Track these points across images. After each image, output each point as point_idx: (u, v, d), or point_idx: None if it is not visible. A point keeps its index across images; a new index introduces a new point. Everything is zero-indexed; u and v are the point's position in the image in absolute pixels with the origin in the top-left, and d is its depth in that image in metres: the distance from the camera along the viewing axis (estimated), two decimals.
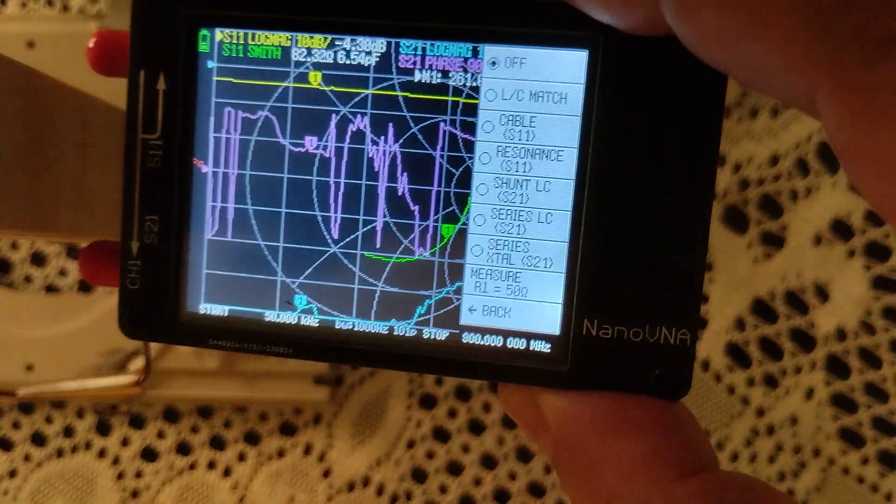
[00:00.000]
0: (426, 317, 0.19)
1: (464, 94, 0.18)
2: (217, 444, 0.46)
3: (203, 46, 0.18)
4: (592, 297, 0.17)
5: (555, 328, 0.18)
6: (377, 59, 0.18)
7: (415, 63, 0.18)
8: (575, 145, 0.17)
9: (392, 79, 0.18)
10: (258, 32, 0.18)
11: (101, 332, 0.44)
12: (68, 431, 0.46)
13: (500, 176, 0.18)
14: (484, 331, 0.19)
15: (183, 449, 0.46)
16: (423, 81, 0.18)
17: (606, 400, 0.16)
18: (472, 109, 0.18)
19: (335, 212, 0.19)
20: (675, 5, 0.13)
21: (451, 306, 0.19)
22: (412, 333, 0.19)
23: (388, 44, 0.18)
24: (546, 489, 0.44)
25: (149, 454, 0.46)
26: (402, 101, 0.18)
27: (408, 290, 0.19)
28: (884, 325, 0.42)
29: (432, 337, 0.19)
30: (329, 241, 0.19)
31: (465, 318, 0.19)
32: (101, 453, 0.46)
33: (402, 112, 0.18)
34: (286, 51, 0.18)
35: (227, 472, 0.45)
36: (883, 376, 0.42)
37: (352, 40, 0.18)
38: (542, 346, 0.18)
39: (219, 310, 0.19)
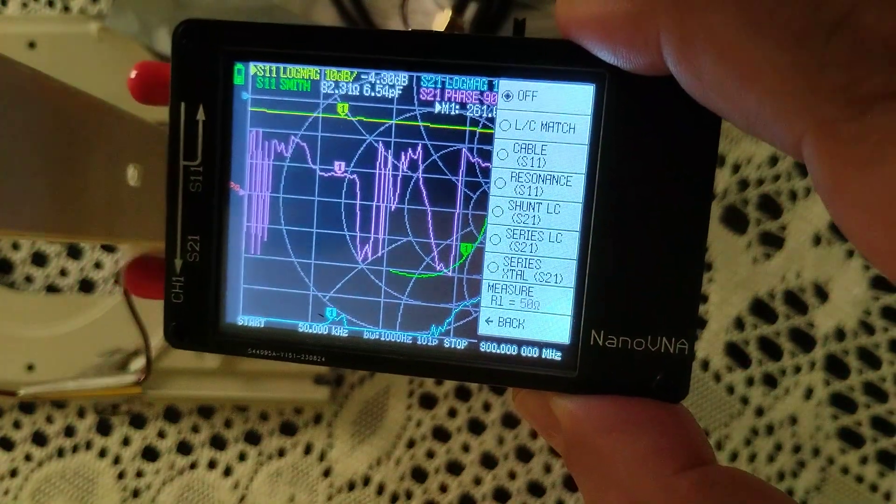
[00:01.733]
0: (447, 328, 0.20)
1: (480, 125, 0.19)
2: (217, 443, 0.46)
3: (238, 79, 0.20)
4: (599, 309, 0.19)
5: (565, 338, 0.20)
6: (400, 92, 0.19)
7: (435, 96, 0.19)
8: (583, 171, 0.19)
9: (414, 110, 0.19)
10: (289, 66, 0.20)
11: (102, 332, 0.44)
12: (69, 431, 0.46)
13: (514, 199, 0.19)
14: (500, 340, 0.20)
15: (183, 448, 0.46)
16: (442, 113, 0.19)
17: (613, 402, 0.18)
18: (487, 138, 0.19)
19: (362, 231, 0.20)
20: (677, 54, 0.15)
21: (470, 318, 0.20)
22: (434, 343, 0.20)
23: (411, 78, 0.19)
24: (546, 488, 0.44)
25: (149, 454, 0.46)
26: (424, 131, 0.19)
27: (430, 303, 0.20)
28: (883, 325, 0.42)
29: (453, 346, 0.20)
30: (357, 258, 0.20)
31: (483, 329, 0.20)
32: (102, 453, 0.46)
33: (424, 140, 0.20)
34: (315, 84, 0.20)
35: (227, 472, 0.45)
36: (882, 376, 0.42)
37: (376, 74, 0.19)
38: (554, 355, 0.20)
39: (256, 321, 0.21)
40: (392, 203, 0.20)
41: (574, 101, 0.19)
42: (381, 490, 0.45)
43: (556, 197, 0.19)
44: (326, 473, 0.45)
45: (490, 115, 0.19)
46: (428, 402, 0.45)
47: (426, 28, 0.39)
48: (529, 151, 0.19)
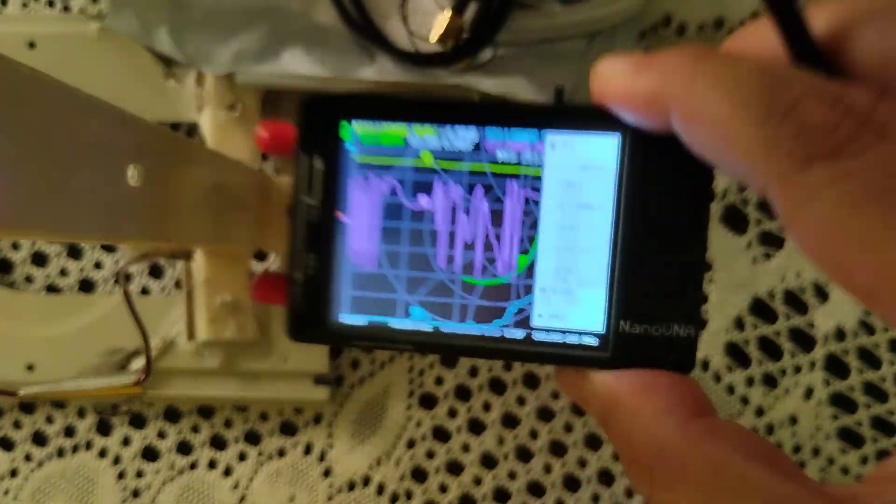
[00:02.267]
0: (507, 321, 0.26)
1: (533, 166, 0.25)
2: (217, 443, 0.46)
3: (346, 135, 0.26)
4: (626, 304, 0.24)
5: (600, 327, 0.25)
6: (471, 144, 0.25)
7: (498, 145, 0.25)
8: (610, 200, 0.25)
9: (482, 157, 0.25)
10: (385, 124, 0.25)
11: (102, 332, 0.44)
12: (69, 431, 0.46)
13: (559, 222, 0.25)
14: (549, 330, 0.26)
15: (183, 448, 0.46)
16: (503, 158, 0.25)
17: (639, 372, 0.23)
18: (538, 178, 0.25)
19: (441, 249, 0.26)
20: (682, 125, 0.21)
21: (525, 314, 0.26)
22: (498, 333, 0.26)
23: (480, 133, 0.25)
24: (546, 489, 0.44)
25: (149, 454, 0.46)
26: (490, 173, 0.25)
27: (494, 302, 0.26)
28: (883, 325, 0.42)
29: (512, 335, 0.26)
30: (437, 269, 0.26)
31: (535, 322, 0.26)
32: (102, 453, 0.46)
33: (489, 180, 0.25)
34: (406, 138, 0.26)
35: (227, 472, 0.46)
36: (882, 376, 0.42)
37: (454, 130, 0.25)
38: (591, 340, 0.25)
39: (358, 320, 0.26)
40: (465, 227, 0.26)
41: (603, 149, 0.25)
42: (381, 490, 0.45)
43: (590, 220, 0.25)
44: (326, 473, 0.45)
45: (540, 160, 0.25)
46: (428, 402, 0.45)
47: (426, 27, 0.39)
48: (570, 187, 0.25)
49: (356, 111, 0.26)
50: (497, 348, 0.26)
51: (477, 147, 0.25)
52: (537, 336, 0.26)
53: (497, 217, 0.26)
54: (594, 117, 0.24)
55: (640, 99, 0.22)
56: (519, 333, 0.26)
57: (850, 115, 0.18)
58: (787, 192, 0.18)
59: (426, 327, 0.26)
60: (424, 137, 0.26)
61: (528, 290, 0.26)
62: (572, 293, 0.25)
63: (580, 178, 0.25)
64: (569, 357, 0.25)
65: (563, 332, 0.26)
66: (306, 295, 0.26)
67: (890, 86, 0.19)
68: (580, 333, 0.25)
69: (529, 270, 0.26)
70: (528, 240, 0.25)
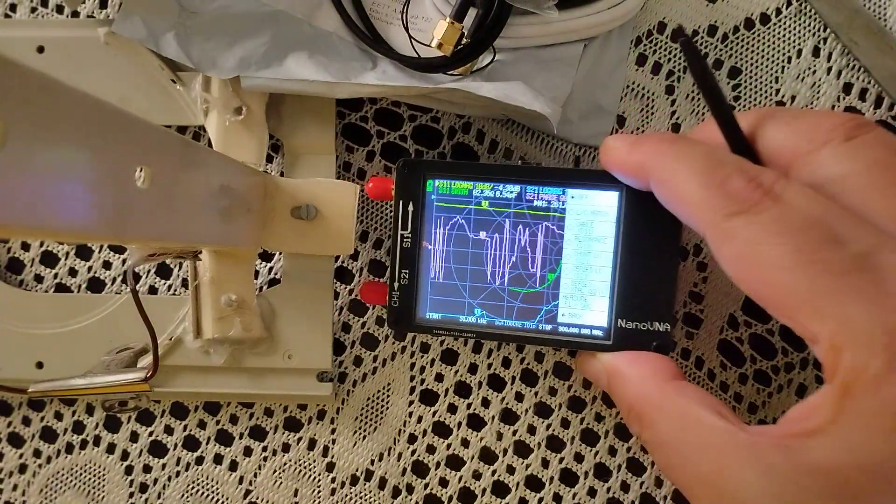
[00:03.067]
0: (541, 318, 0.37)
1: (558, 211, 0.36)
2: (223, 439, 0.47)
3: (429, 188, 0.37)
4: (623, 308, 0.35)
5: (604, 323, 0.36)
6: (515, 195, 0.36)
7: (534, 197, 0.36)
8: (612, 235, 0.35)
9: (523, 204, 0.36)
10: (456, 181, 0.37)
11: (110, 330, 0.45)
12: (77, 427, 0.47)
13: (577, 250, 0.36)
14: (569, 325, 0.36)
15: (190, 444, 0.47)
16: (538, 205, 0.36)
17: (632, 353, 0.34)
18: (562, 219, 0.36)
19: (494, 267, 0.37)
20: (655, 188, 0.31)
21: (553, 313, 0.37)
22: (534, 327, 0.37)
23: (521, 188, 0.36)
24: (544, 483, 0.45)
25: (157, 449, 0.47)
26: (528, 215, 0.36)
27: (531, 305, 0.37)
28: None
29: (544, 328, 0.37)
30: (491, 281, 0.37)
31: (560, 319, 0.37)
32: (110, 448, 0.47)
33: (528, 220, 0.36)
34: (470, 190, 0.37)
35: (233, 467, 0.46)
36: None
37: (503, 185, 0.36)
38: (599, 332, 0.36)
39: (436, 315, 0.38)
40: (511, 252, 0.36)
41: (608, 199, 0.35)
42: (382, 484, 0.45)
43: (599, 249, 0.36)
44: (330, 468, 0.46)
45: (563, 206, 0.36)
46: (428, 398, 0.45)
47: (426, 33, 0.40)
48: (584, 225, 0.36)
49: (437, 172, 0.37)
50: (533, 337, 0.37)
51: (519, 197, 0.36)
52: (561, 329, 0.37)
53: (533, 246, 0.36)
54: (601, 178, 0.34)
55: (631, 168, 0.32)
56: (549, 327, 0.37)
57: (759, 188, 0.27)
58: (716, 234, 0.27)
59: (484, 321, 0.37)
60: (483, 190, 0.36)
61: (555, 297, 0.36)
62: (586, 300, 0.36)
63: (591, 219, 0.35)
64: (583, 343, 0.36)
65: (580, 326, 0.36)
66: (401, 299, 0.37)
67: (790, 167, 0.29)
68: (591, 328, 0.36)
69: (556, 283, 0.36)
70: (555, 262, 0.36)
